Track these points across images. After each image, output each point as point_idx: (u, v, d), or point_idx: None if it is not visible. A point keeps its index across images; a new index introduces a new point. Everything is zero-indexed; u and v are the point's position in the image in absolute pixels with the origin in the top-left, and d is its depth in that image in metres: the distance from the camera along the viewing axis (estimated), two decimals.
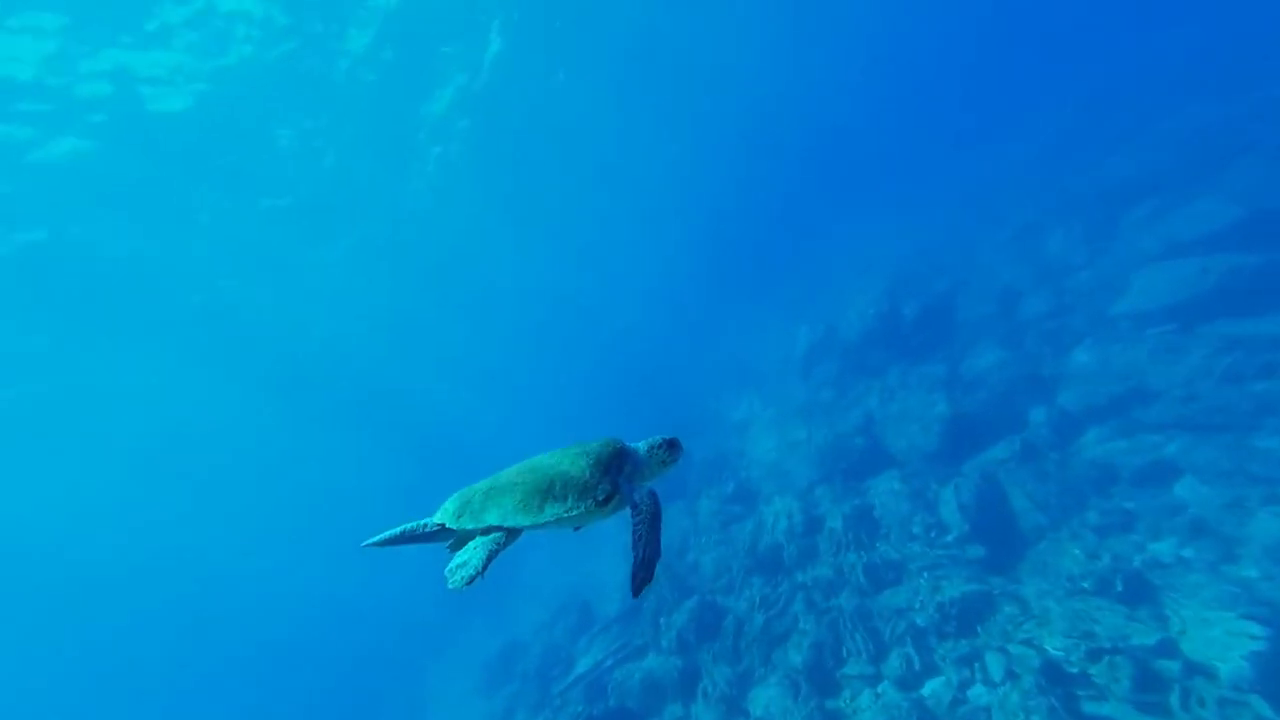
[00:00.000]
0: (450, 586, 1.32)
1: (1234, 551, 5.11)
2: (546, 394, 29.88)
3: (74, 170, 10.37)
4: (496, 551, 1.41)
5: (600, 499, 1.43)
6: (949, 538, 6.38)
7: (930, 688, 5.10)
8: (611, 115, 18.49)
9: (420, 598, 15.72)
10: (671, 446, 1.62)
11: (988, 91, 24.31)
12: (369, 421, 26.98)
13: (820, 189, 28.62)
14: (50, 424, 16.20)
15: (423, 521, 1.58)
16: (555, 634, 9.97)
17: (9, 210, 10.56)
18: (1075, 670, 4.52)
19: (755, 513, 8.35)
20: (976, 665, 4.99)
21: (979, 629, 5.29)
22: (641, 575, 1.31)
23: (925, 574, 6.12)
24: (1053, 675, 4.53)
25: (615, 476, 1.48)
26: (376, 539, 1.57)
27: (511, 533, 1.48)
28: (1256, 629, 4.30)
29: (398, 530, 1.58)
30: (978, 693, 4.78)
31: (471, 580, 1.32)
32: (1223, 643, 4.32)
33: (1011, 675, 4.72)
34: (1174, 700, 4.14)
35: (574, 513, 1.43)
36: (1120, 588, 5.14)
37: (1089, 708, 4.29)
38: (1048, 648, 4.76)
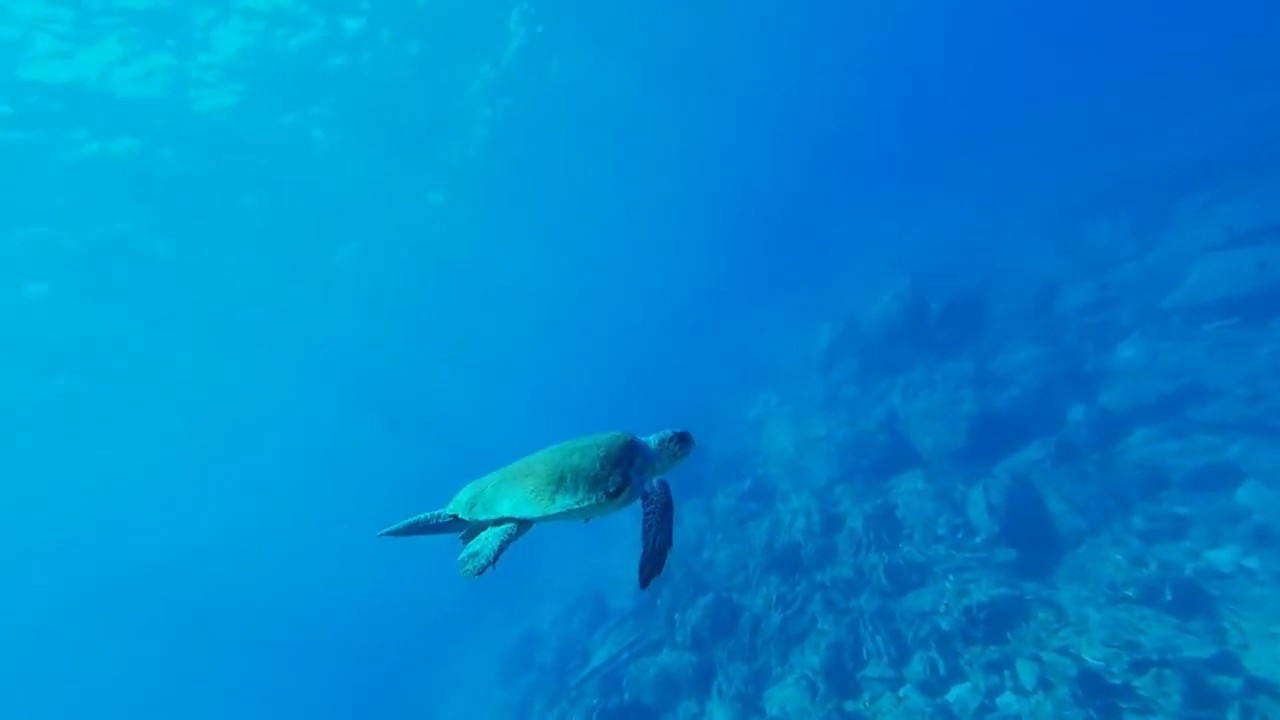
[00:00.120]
0: (462, 575, 1.34)
1: None
2: (562, 391, 30.18)
3: (131, 169, 11.26)
4: (508, 542, 1.42)
5: (611, 491, 1.43)
6: (977, 540, 6.09)
7: (956, 693, 4.88)
8: (629, 112, 18.57)
9: (439, 590, 16.08)
10: (683, 440, 1.61)
11: (1023, 80, 23.15)
12: (390, 415, 27.89)
13: (842, 186, 27.89)
14: (101, 411, 17.37)
15: (436, 512, 1.61)
16: (571, 627, 10.05)
17: (77, 207, 11.49)
18: (1117, 681, 4.23)
19: (772, 510, 8.20)
20: (1006, 672, 4.75)
21: (1009, 635, 5.03)
22: (651, 566, 1.30)
23: (951, 576, 5.86)
24: (1092, 686, 4.26)
25: (626, 469, 1.48)
26: (391, 528, 1.61)
27: (523, 524, 1.49)
28: None
29: (412, 520, 1.61)
30: (1007, 700, 4.54)
31: (483, 570, 1.34)
32: None
33: (1045, 684, 4.46)
34: (1232, 717, 3.83)
35: (585, 504, 1.43)
36: (1170, 597, 4.79)
37: None
38: (1086, 657, 4.48)
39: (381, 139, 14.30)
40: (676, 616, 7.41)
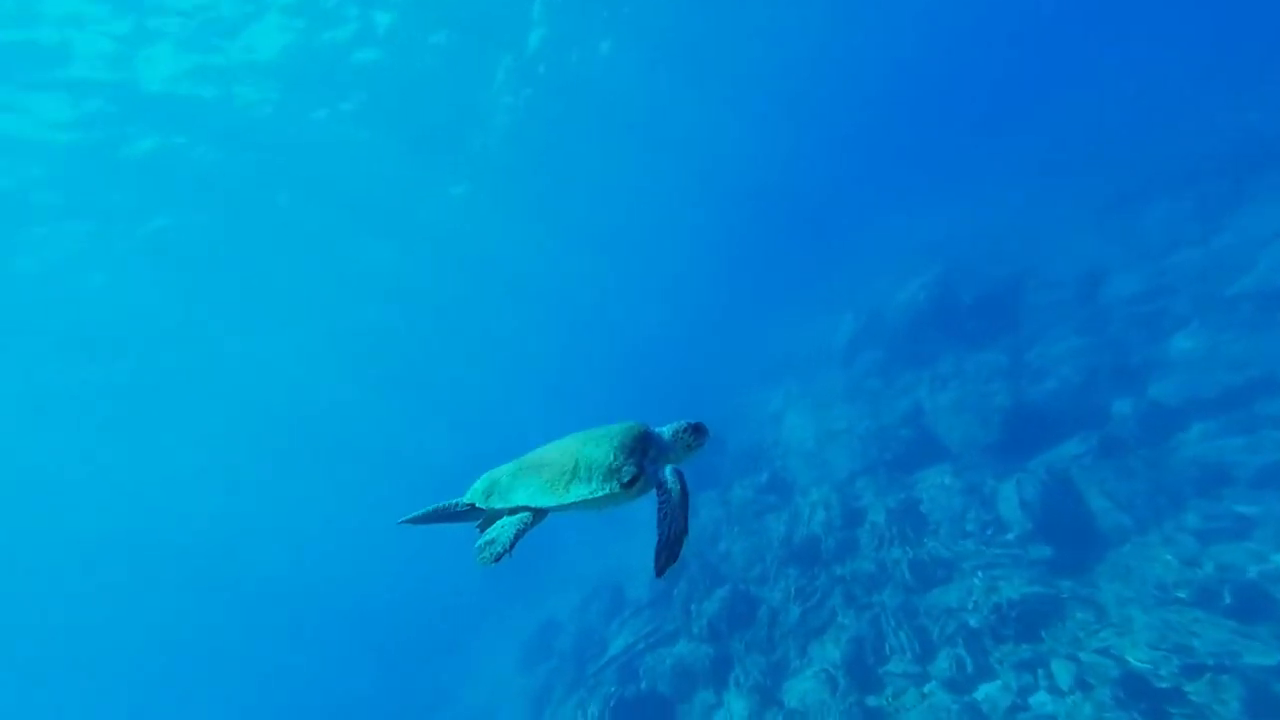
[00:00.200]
0: (478, 563, 1.36)
1: None
2: (580, 384, 30.34)
3: (175, 166, 12.10)
4: (523, 531, 1.44)
5: (625, 481, 1.43)
6: (1009, 536, 5.80)
7: (985, 691, 4.66)
8: (648, 103, 18.37)
9: (460, 579, 16.45)
10: (697, 430, 1.60)
11: (1069, 54, 21.56)
12: (418, 405, 28.72)
13: (865, 176, 26.75)
14: (160, 395, 18.59)
15: (453, 500, 1.64)
16: (589, 616, 10.17)
17: (133, 202, 12.43)
18: (1165, 685, 3.95)
19: (791, 503, 8.05)
20: (1040, 671, 4.50)
21: (1043, 634, 4.76)
22: (666, 555, 1.29)
23: (980, 573, 5.60)
24: (1135, 688, 3.99)
25: (640, 459, 1.48)
26: (410, 516, 1.65)
27: (538, 513, 1.51)
28: None
29: (430, 509, 1.64)
30: (1041, 700, 4.31)
31: (499, 558, 1.35)
32: None
33: (1083, 684, 4.21)
34: None
35: (599, 494, 1.43)
36: (1229, 600, 4.42)
37: None
38: (1130, 659, 4.20)
39: (407, 132, 14.55)
40: (693, 608, 7.38)
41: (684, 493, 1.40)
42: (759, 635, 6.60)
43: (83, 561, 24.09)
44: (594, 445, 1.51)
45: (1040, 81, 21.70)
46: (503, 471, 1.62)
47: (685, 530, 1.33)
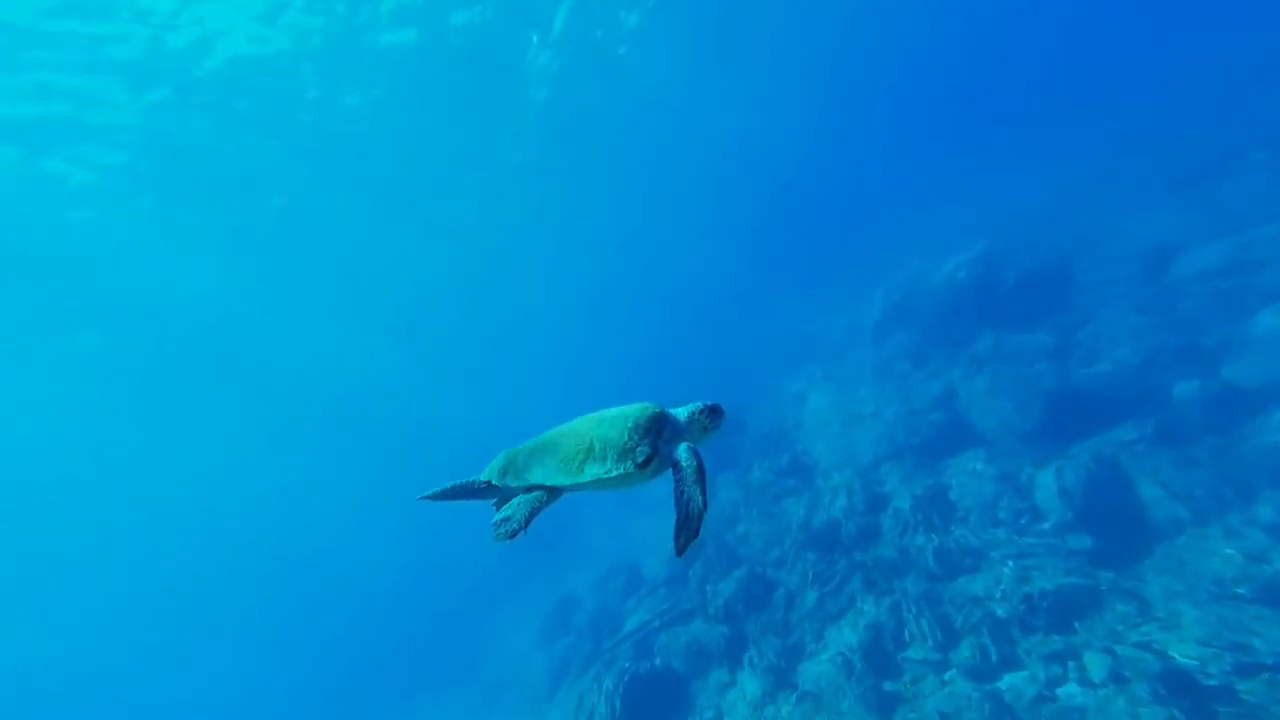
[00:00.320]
0: (494, 539, 1.39)
1: None
2: (604, 367, 30.40)
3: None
4: (539, 509, 1.47)
5: (640, 461, 1.43)
6: (1044, 525, 5.45)
7: (1009, 681, 4.46)
8: (677, 83, 17.71)
9: (481, 557, 16.81)
10: (713, 412, 1.58)
11: (1147, 19, 19.23)
12: (444, 381, 29.73)
13: (905, 157, 25.10)
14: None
15: (471, 478, 1.69)
16: (606, 593, 10.41)
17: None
18: (1214, 683, 3.64)
19: (811, 487, 7.88)
20: (1071, 663, 4.25)
21: (1077, 625, 4.48)
22: (686, 532, 1.28)
23: (1010, 563, 5.31)
24: (1178, 684, 3.70)
25: (655, 440, 1.47)
26: (430, 493, 1.69)
27: (553, 491, 1.53)
28: None
29: (449, 485, 1.69)
30: (1070, 692, 4.07)
31: (514, 534, 1.38)
32: None
33: (1118, 678, 3.94)
34: None
35: (613, 474, 1.44)
36: None
37: None
38: (1174, 654, 3.89)
39: (435, 119, 14.70)
40: (709, 588, 7.43)
41: (700, 469, 1.38)
42: (775, 617, 6.57)
43: (157, 531, 26.80)
44: (609, 426, 1.52)
45: (1101, 62, 19.51)
46: (519, 450, 1.65)
47: (704, 506, 1.32)
